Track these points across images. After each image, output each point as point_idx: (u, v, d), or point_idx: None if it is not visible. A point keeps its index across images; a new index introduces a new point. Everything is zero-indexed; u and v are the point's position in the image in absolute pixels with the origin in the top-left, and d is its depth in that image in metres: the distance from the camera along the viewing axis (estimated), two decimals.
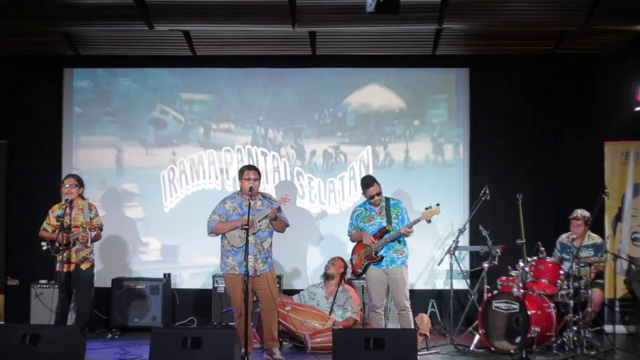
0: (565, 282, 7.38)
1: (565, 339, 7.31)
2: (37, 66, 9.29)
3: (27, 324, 7.89)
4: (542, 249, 7.63)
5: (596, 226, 8.18)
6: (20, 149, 9.25)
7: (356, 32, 8.57)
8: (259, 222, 6.94)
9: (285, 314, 7.59)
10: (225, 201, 7.15)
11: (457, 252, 8.08)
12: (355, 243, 7.38)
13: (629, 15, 7.82)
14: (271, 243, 7.12)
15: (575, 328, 7.27)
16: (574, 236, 7.96)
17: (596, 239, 8.05)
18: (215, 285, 8.66)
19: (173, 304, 9.04)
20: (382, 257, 7.16)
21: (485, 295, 7.71)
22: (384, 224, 7.20)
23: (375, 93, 9.24)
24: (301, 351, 7.55)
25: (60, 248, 7.25)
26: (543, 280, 7.43)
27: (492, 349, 7.35)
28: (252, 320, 7.17)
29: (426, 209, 7.07)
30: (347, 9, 7.71)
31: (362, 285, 8.05)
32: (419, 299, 8.78)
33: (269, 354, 7.10)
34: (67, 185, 7.45)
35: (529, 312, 7.11)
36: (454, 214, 8.95)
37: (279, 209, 7.04)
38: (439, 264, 8.35)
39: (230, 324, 8.37)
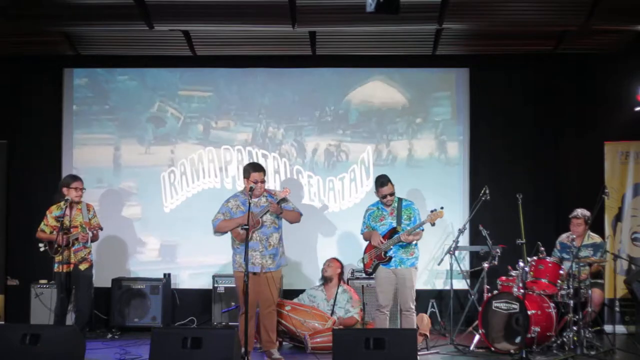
0: (565, 282, 7.38)
1: (565, 339, 7.31)
2: (37, 66, 9.28)
3: (27, 324, 7.89)
4: (542, 249, 7.63)
5: (596, 226, 8.18)
6: (20, 149, 9.25)
7: (356, 32, 8.57)
8: (261, 218, 6.94)
9: (285, 314, 7.60)
10: (229, 200, 7.18)
11: (457, 252, 8.09)
12: (367, 242, 7.40)
13: (629, 15, 7.82)
14: (279, 239, 7.11)
15: (575, 328, 7.27)
16: (574, 236, 7.96)
17: (596, 238, 8.05)
18: (215, 285, 8.65)
19: (173, 304, 9.03)
20: (390, 258, 7.17)
21: (485, 295, 7.71)
22: (395, 224, 7.21)
23: (377, 88, 9.23)
24: (301, 351, 7.55)
25: (59, 249, 7.26)
26: (543, 280, 7.43)
27: (492, 349, 7.35)
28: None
29: (431, 211, 7.07)
30: (347, 9, 7.71)
31: (362, 285, 8.06)
32: (419, 299, 8.68)
33: (268, 355, 7.12)
34: (77, 188, 7.48)
35: (529, 312, 7.12)
36: (454, 214, 8.93)
37: (282, 201, 7.02)
38: (439, 264, 8.35)
39: (230, 324, 8.37)
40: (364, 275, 8.23)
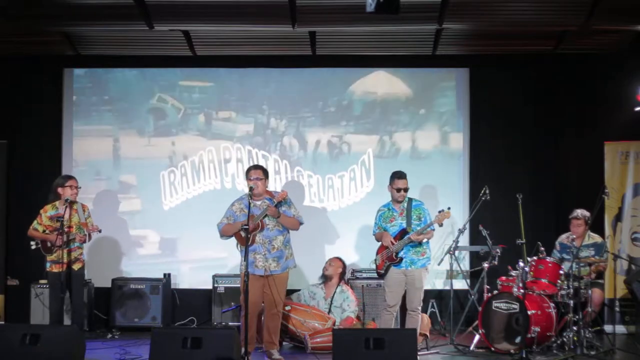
0: (565, 282, 7.38)
1: (565, 339, 7.31)
2: (37, 66, 9.28)
3: (27, 324, 7.90)
4: (542, 249, 7.63)
5: (596, 226, 8.18)
6: (20, 149, 9.25)
7: (356, 32, 8.57)
8: (262, 220, 6.95)
9: (285, 314, 7.59)
10: (234, 203, 7.23)
11: (457, 252, 8.09)
12: (380, 244, 7.40)
13: (629, 15, 7.83)
14: (284, 241, 7.12)
15: (575, 328, 7.27)
16: (574, 236, 7.96)
17: (596, 238, 8.05)
18: (215, 285, 8.65)
19: (173, 304, 9.03)
20: (401, 259, 7.17)
21: (485, 295, 7.71)
22: (405, 225, 7.22)
23: (379, 82, 9.23)
24: (301, 351, 7.55)
25: (55, 248, 7.31)
26: (543, 280, 7.43)
27: (492, 349, 7.35)
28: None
29: (439, 212, 7.07)
30: (347, 9, 7.71)
31: (362, 285, 8.06)
32: None
33: (268, 355, 7.13)
34: (72, 186, 7.51)
35: (529, 312, 7.11)
36: (454, 213, 8.88)
37: (279, 204, 7.03)
38: (439, 264, 8.35)
39: (230, 324, 8.37)
40: (364, 275, 8.24)
